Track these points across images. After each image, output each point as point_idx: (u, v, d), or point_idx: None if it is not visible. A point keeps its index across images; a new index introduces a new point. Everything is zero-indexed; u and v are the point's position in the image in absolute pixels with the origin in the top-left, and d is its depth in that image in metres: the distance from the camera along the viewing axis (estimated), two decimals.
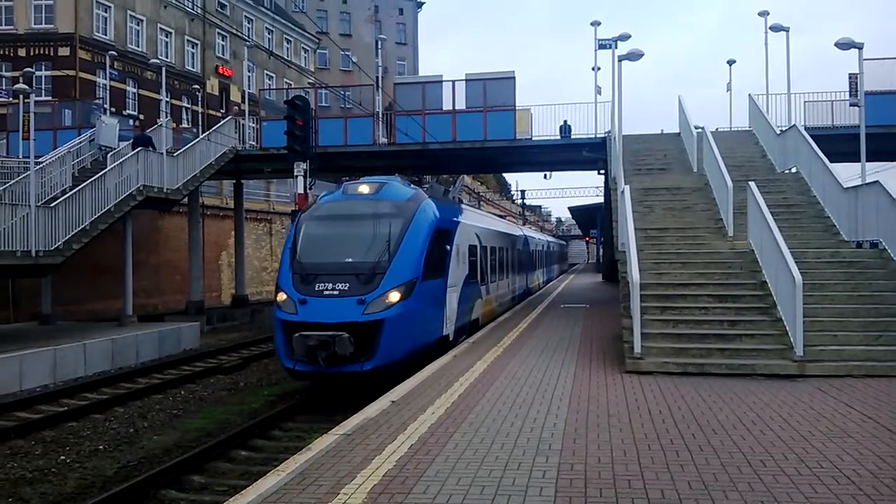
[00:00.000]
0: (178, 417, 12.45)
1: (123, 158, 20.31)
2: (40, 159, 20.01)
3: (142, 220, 25.55)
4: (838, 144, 19.27)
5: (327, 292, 11.49)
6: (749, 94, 22.43)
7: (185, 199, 24.83)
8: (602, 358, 11.56)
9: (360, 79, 43.38)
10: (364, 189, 13.39)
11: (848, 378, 9.47)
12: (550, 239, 50.58)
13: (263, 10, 48.39)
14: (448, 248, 13.88)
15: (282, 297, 11.90)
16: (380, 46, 29.05)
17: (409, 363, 11.46)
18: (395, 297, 11.48)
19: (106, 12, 35.51)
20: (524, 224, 53.54)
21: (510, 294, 22.78)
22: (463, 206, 20.22)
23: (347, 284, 11.50)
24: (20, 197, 17.82)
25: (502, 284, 21.03)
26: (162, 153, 21.59)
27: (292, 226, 13.53)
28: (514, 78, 24.99)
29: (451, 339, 13.93)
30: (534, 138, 24.63)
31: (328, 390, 12.69)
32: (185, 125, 38.33)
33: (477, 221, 18.24)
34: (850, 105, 20.41)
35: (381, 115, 25.89)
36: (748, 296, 11.62)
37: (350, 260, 12.05)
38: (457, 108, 24.78)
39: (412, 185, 14.44)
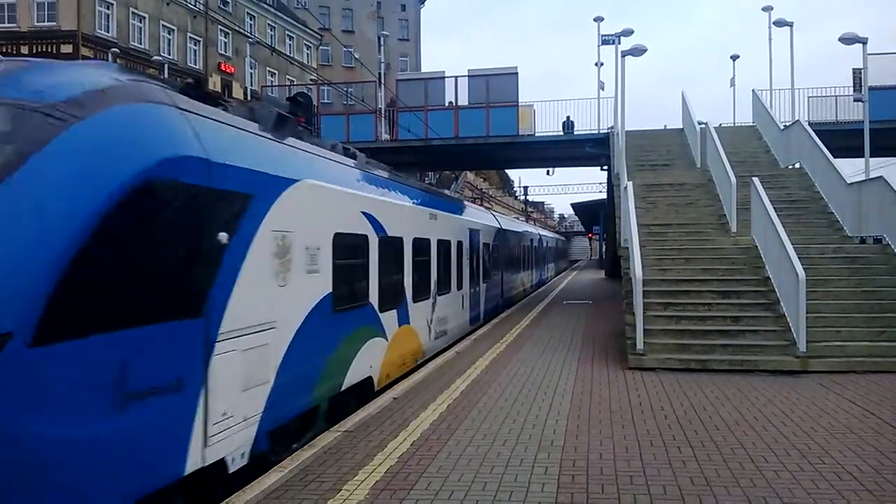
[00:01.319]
0: None
1: None
2: None
3: None
4: (842, 140, 19.28)
5: None
6: (753, 90, 22.43)
7: None
8: (604, 354, 11.55)
9: (362, 75, 43.44)
10: None
11: (851, 374, 9.48)
12: (544, 232, 40.87)
13: (266, 6, 48.38)
14: (225, 237, 5.41)
15: None
16: (382, 43, 29.09)
17: None
18: None
19: (108, 9, 35.53)
20: (527, 220, 52.99)
21: (467, 314, 15.42)
22: (370, 162, 10.28)
23: None
24: None
25: (447, 302, 13.40)
26: None
27: None
28: (516, 74, 25.05)
29: (232, 466, 5.59)
30: (537, 134, 24.70)
31: None
32: None
33: (386, 190, 9.99)
34: (854, 100, 20.45)
35: (383, 112, 25.92)
36: (751, 292, 11.60)
37: None
38: (459, 104, 24.84)
39: (130, 76, 5.17)
